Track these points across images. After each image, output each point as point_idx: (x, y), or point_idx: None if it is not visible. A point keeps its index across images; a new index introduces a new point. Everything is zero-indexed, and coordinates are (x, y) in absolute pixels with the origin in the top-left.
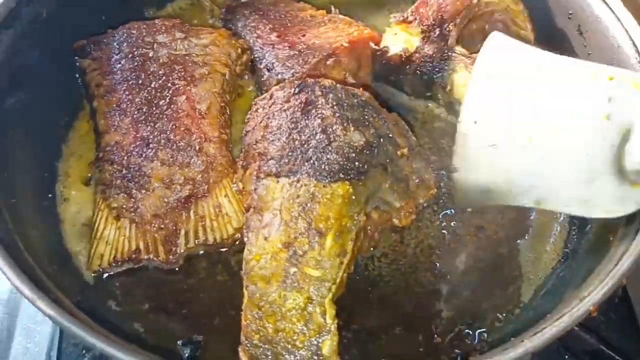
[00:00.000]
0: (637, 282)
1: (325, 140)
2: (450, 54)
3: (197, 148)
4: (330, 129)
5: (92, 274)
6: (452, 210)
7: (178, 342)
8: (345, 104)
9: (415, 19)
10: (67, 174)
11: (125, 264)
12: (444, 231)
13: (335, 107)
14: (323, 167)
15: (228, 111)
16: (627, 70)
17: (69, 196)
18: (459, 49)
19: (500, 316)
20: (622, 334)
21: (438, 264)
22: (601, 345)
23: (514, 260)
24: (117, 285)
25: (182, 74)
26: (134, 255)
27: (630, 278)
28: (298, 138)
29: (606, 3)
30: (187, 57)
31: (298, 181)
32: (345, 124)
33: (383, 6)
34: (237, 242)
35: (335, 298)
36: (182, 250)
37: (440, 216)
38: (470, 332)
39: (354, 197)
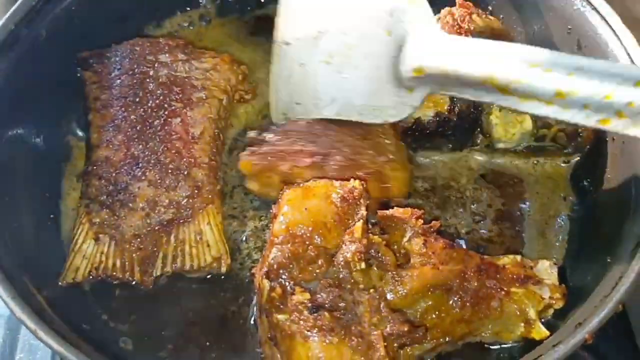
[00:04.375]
0: (635, 297)
1: None
2: None
3: (185, 172)
4: None
5: (64, 285)
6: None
7: None
8: None
9: None
10: (68, 193)
11: (100, 279)
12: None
13: None
14: None
15: (221, 138)
16: None
17: (72, 214)
18: None
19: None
20: (618, 350)
21: None
22: None
23: None
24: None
25: (180, 96)
26: (109, 273)
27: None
28: None
29: (604, 19)
30: (186, 80)
31: None
32: None
33: None
34: (211, 274)
35: None
36: (157, 273)
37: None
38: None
39: None
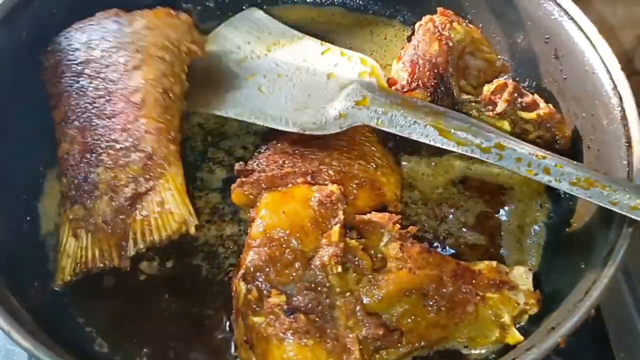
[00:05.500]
0: (610, 303)
1: None
2: (460, 104)
3: (135, 144)
4: None
5: (58, 288)
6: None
7: None
8: None
9: (418, 85)
10: (51, 194)
11: (84, 273)
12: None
13: None
14: None
15: (171, 95)
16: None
17: (51, 215)
18: (465, 96)
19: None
20: (593, 355)
21: None
22: None
23: None
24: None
25: (115, 67)
26: (90, 265)
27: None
28: None
29: (581, 29)
30: (120, 49)
31: None
32: None
33: (365, 27)
34: (184, 234)
35: None
36: (132, 253)
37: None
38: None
39: None
